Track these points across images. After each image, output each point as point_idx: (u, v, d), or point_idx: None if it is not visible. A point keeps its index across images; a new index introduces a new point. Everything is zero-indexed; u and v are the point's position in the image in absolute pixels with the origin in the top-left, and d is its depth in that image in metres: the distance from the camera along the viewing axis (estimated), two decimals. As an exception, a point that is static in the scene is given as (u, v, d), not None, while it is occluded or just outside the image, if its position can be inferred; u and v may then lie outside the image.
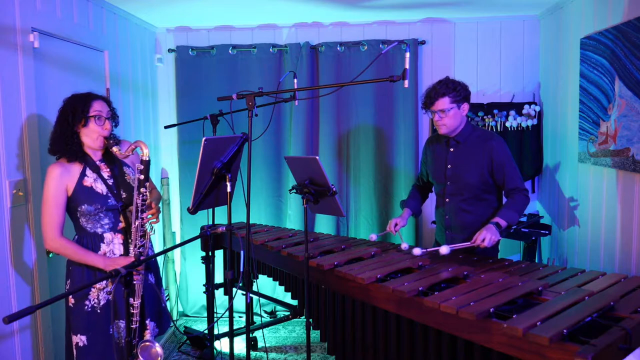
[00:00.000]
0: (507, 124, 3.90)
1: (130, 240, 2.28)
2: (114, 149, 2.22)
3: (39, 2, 2.61)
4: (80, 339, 2.19)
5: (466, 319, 1.69)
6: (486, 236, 2.44)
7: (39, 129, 2.57)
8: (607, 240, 2.95)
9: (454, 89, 2.59)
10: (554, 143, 3.72)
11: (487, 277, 2.07)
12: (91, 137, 2.21)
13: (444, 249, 2.41)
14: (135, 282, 2.18)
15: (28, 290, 2.46)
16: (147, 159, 2.15)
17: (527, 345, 1.52)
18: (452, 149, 2.73)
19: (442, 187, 2.79)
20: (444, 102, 2.58)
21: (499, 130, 3.92)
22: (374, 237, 2.86)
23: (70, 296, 2.20)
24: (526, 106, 3.87)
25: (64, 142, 2.18)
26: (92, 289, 2.19)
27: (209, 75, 4.04)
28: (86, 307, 2.19)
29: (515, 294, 1.84)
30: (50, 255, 2.61)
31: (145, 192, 2.17)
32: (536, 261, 3.79)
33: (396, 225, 2.80)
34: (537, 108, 3.86)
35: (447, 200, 2.77)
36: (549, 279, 2.10)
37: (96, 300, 2.20)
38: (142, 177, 2.15)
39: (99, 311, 2.20)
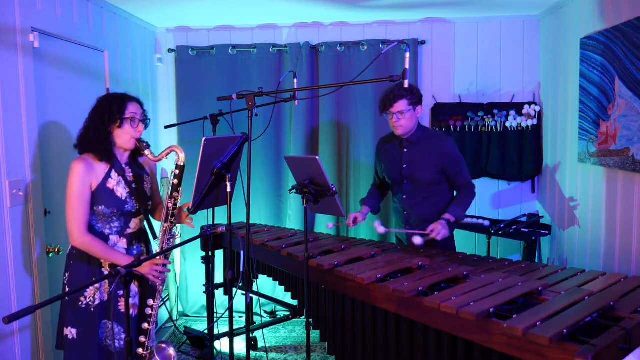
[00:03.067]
0: (507, 124, 3.90)
1: (134, 245, 2.31)
2: (147, 152, 2.22)
3: (39, 2, 2.61)
4: (70, 332, 2.20)
5: (466, 319, 1.69)
6: (436, 228, 2.63)
7: (39, 129, 2.57)
8: (607, 240, 2.95)
9: (411, 92, 2.76)
10: (554, 143, 3.72)
11: (487, 277, 2.07)
12: (124, 138, 2.22)
13: (417, 240, 2.63)
14: (156, 283, 2.21)
15: (28, 290, 2.46)
16: (183, 164, 2.19)
17: (527, 345, 1.52)
18: (405, 150, 2.88)
19: (399, 185, 2.95)
20: (402, 104, 2.73)
21: (498, 130, 3.92)
22: (330, 225, 3.03)
23: (67, 289, 2.21)
24: (526, 106, 3.87)
25: (97, 141, 2.18)
26: (89, 288, 2.19)
27: (209, 75, 4.04)
28: (81, 303, 2.20)
29: (515, 294, 1.84)
30: (51, 255, 2.61)
31: (177, 197, 2.21)
32: (536, 261, 3.79)
33: (355, 219, 2.95)
34: (537, 108, 3.86)
35: (404, 197, 2.92)
36: (549, 279, 2.10)
37: (91, 299, 2.20)
38: (176, 181, 2.20)
39: (92, 309, 2.20)
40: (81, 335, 2.19)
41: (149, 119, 2.33)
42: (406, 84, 2.09)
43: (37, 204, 2.51)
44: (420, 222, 2.87)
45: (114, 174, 2.22)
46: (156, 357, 2.04)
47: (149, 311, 2.24)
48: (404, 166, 2.88)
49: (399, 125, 2.77)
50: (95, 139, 2.18)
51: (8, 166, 2.34)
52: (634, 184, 2.65)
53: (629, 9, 2.63)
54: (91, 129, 2.20)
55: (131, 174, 2.29)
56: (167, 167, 4.20)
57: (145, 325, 2.24)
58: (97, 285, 2.19)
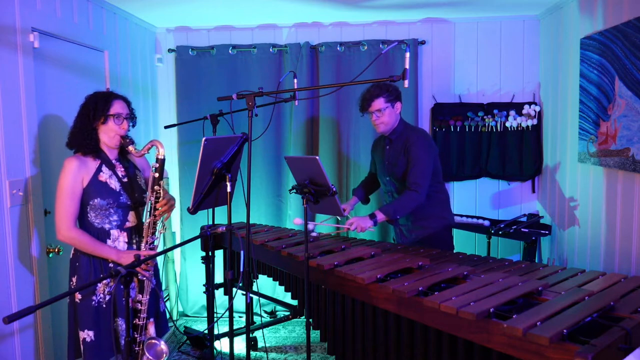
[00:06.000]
0: (507, 124, 3.90)
1: (134, 240, 2.33)
2: (130, 147, 2.27)
3: (39, 2, 2.61)
4: (87, 335, 2.20)
5: (466, 319, 1.69)
6: (355, 222, 2.76)
7: (39, 129, 2.57)
8: (607, 240, 2.95)
9: (387, 90, 2.81)
10: (554, 143, 3.72)
11: (487, 277, 2.07)
12: (108, 135, 2.26)
13: (297, 220, 2.78)
14: (144, 277, 2.21)
15: (28, 290, 2.46)
16: (163, 157, 2.21)
17: (527, 345, 1.52)
18: (387, 147, 2.94)
19: (384, 183, 3.02)
20: (379, 102, 2.80)
21: (498, 130, 3.92)
22: (298, 220, 2.78)
23: (77, 294, 2.21)
24: (526, 106, 3.87)
25: (82, 137, 2.23)
26: (99, 285, 2.21)
27: (209, 75, 4.04)
28: (93, 302, 2.21)
29: (515, 294, 1.84)
30: (51, 255, 2.61)
31: (159, 190, 2.22)
32: (536, 261, 3.79)
33: (344, 210, 2.97)
34: (537, 108, 3.86)
35: (389, 196, 3.01)
36: (549, 279, 2.10)
37: (102, 296, 2.22)
38: (157, 175, 2.21)
39: (104, 306, 2.22)
40: (98, 335, 2.21)
41: (136, 117, 2.37)
42: (406, 84, 2.09)
43: (37, 204, 2.51)
44: (408, 220, 2.93)
45: (105, 169, 2.26)
46: (147, 354, 2.03)
47: (138, 306, 2.25)
48: (386, 163, 2.94)
49: (380, 123, 2.84)
50: (81, 134, 2.23)
51: (8, 166, 2.34)
52: (634, 184, 2.65)
53: (629, 9, 2.63)
54: (78, 124, 2.26)
55: (122, 170, 2.33)
56: (167, 167, 4.19)
57: (136, 320, 2.24)
58: (105, 281, 2.20)
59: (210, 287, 3.12)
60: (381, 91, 2.80)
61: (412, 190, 2.76)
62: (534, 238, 3.65)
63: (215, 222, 3.35)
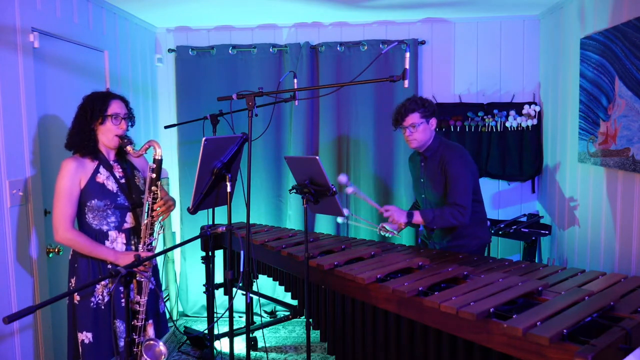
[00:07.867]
0: (507, 124, 3.90)
1: (133, 241, 2.32)
2: (128, 147, 2.26)
3: (39, 2, 2.61)
4: (86, 336, 2.20)
5: (466, 319, 1.69)
6: (392, 210, 2.71)
7: (39, 129, 2.57)
8: (607, 240, 2.95)
9: (423, 105, 2.72)
10: (554, 143, 3.72)
11: (487, 277, 2.07)
12: (107, 135, 2.26)
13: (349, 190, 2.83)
14: (142, 278, 2.20)
15: (28, 290, 2.46)
16: (160, 158, 2.21)
17: (527, 345, 1.52)
18: (423, 164, 2.86)
19: (421, 200, 2.95)
20: (414, 117, 2.70)
21: (498, 130, 3.92)
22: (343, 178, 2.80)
23: (76, 293, 2.21)
24: (526, 106, 3.87)
25: (80, 138, 2.23)
26: (98, 286, 2.21)
27: (209, 75, 4.04)
28: (92, 304, 2.21)
29: (515, 294, 1.84)
30: (50, 255, 2.61)
31: (156, 191, 2.22)
32: (536, 261, 3.79)
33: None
34: (537, 108, 3.86)
35: None
36: (549, 279, 2.10)
37: (101, 297, 2.22)
38: (154, 175, 2.20)
39: (103, 307, 2.22)
40: (97, 336, 2.21)
41: (134, 117, 2.37)
42: (406, 84, 2.09)
43: (37, 204, 2.51)
44: (443, 240, 2.85)
45: (102, 170, 2.26)
46: (145, 356, 2.03)
47: (137, 308, 2.25)
48: (421, 180, 2.88)
49: (413, 139, 2.73)
50: (79, 135, 2.23)
51: (8, 166, 2.34)
52: (634, 184, 2.65)
53: (629, 9, 2.63)
54: (76, 125, 2.26)
55: (120, 170, 2.32)
56: (167, 167, 4.20)
57: (135, 322, 2.24)
58: (104, 282, 2.20)
59: (210, 287, 3.12)
60: (417, 106, 2.70)
61: (455, 209, 2.63)
62: (534, 238, 3.65)
63: (215, 222, 3.35)
